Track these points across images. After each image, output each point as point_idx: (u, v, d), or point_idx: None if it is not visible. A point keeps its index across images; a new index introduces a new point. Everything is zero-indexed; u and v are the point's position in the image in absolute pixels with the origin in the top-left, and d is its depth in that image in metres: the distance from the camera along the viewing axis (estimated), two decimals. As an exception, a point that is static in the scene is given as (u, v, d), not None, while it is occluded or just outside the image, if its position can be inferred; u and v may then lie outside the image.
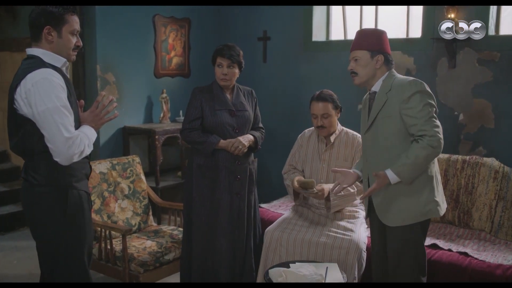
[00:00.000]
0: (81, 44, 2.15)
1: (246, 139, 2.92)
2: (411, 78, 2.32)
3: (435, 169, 2.35)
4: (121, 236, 3.03)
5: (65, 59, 2.09)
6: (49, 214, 2.06)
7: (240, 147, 2.85)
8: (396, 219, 2.32)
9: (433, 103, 2.26)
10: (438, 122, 2.23)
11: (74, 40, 2.08)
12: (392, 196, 2.31)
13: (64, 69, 2.10)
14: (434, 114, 2.23)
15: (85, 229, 2.16)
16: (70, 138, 1.95)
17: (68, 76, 2.12)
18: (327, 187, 2.88)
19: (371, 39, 2.35)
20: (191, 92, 2.99)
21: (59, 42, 2.05)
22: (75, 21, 2.07)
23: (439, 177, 2.38)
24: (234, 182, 2.92)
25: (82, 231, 2.14)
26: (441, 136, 2.20)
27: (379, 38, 2.36)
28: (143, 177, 3.61)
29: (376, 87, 2.36)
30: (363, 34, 2.42)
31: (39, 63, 2.00)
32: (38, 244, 2.19)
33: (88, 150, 2.05)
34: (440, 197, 2.34)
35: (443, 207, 2.35)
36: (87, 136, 2.06)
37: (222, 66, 2.86)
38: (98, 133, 4.09)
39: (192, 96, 2.94)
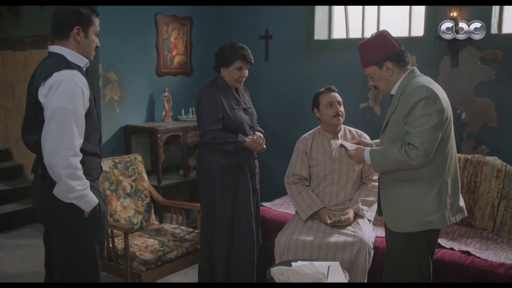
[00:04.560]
0: (99, 45, 2.24)
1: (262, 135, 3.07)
2: (419, 83, 2.21)
3: (449, 179, 2.25)
4: (123, 234, 3.04)
5: (87, 60, 2.17)
6: (68, 211, 2.07)
7: (261, 141, 2.97)
8: (397, 224, 2.31)
9: (436, 112, 2.14)
10: (431, 136, 2.13)
11: (96, 40, 2.18)
12: (397, 199, 2.30)
13: (84, 69, 2.17)
14: (432, 126, 2.13)
15: (102, 227, 2.19)
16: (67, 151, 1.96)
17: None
18: (350, 211, 2.96)
19: (370, 52, 2.31)
20: (199, 91, 2.95)
21: (85, 42, 2.13)
22: (98, 23, 2.18)
23: (449, 189, 2.26)
24: (252, 178, 3.03)
25: (99, 229, 2.18)
26: (425, 154, 2.13)
27: (377, 46, 2.30)
28: (145, 175, 3.62)
29: (394, 90, 2.32)
30: (362, 49, 2.36)
31: (64, 63, 2.05)
32: (51, 239, 2.20)
33: (73, 186, 2.00)
34: (446, 209, 2.24)
35: (448, 220, 2.26)
36: (85, 192, 2.04)
37: (242, 69, 2.91)
38: (100, 132, 4.13)
39: (209, 96, 2.88)
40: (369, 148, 2.36)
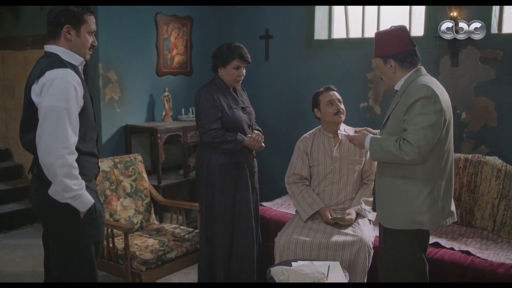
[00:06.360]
0: (96, 44, 2.22)
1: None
2: (421, 82, 2.21)
3: (442, 182, 2.26)
4: (123, 234, 3.04)
5: (82, 59, 2.15)
6: (64, 211, 2.06)
7: (260, 139, 2.97)
8: (388, 219, 2.32)
9: (433, 111, 2.14)
10: (427, 135, 2.13)
11: (90, 39, 2.16)
12: (390, 195, 2.31)
13: (80, 68, 2.15)
14: (428, 125, 2.13)
15: (98, 227, 2.19)
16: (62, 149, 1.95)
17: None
18: (353, 211, 2.97)
19: (381, 45, 2.31)
20: (197, 91, 2.96)
21: (77, 41, 2.11)
22: (92, 21, 2.15)
23: (442, 192, 2.26)
24: (252, 177, 3.04)
25: (95, 229, 2.17)
26: (419, 151, 2.13)
27: (389, 41, 2.29)
28: (145, 175, 3.62)
29: (398, 86, 2.33)
30: (375, 39, 2.36)
31: (58, 62, 2.04)
32: (48, 239, 2.20)
33: (68, 184, 1.99)
34: (437, 211, 2.25)
35: (437, 223, 2.26)
36: (81, 193, 2.03)
37: (240, 68, 2.92)
38: (100, 132, 4.13)
39: (207, 95, 2.89)
40: (371, 135, 2.37)
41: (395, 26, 2.35)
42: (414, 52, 2.31)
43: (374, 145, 2.31)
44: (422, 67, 2.34)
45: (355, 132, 2.56)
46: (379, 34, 2.37)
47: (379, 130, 2.60)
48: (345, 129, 3.13)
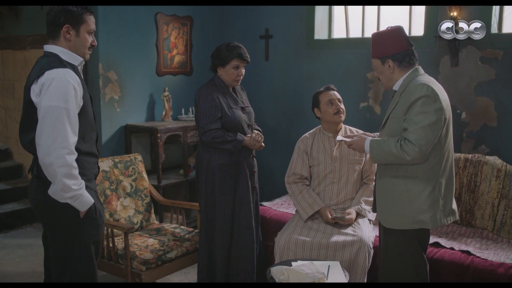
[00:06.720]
0: (96, 44, 2.22)
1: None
2: (421, 82, 2.22)
3: (443, 180, 2.26)
4: (123, 234, 3.04)
5: (81, 59, 2.15)
6: (63, 211, 2.07)
7: (260, 139, 2.97)
8: (389, 220, 2.32)
9: (434, 110, 2.15)
10: (428, 134, 2.14)
11: (90, 39, 2.16)
12: (391, 195, 2.31)
13: (79, 68, 2.15)
14: (429, 124, 2.14)
15: (98, 227, 2.19)
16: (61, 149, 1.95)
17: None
18: (353, 211, 2.98)
19: (378, 46, 2.32)
20: (197, 91, 2.96)
21: (76, 40, 2.12)
22: (92, 21, 2.15)
23: (443, 190, 2.26)
24: (252, 176, 3.04)
25: (95, 229, 2.17)
26: (420, 150, 2.14)
27: (386, 42, 2.30)
28: (145, 175, 3.62)
29: (396, 86, 2.33)
30: (372, 40, 2.36)
31: (58, 62, 2.04)
32: (48, 238, 2.20)
33: (67, 184, 2.00)
34: (438, 209, 2.25)
35: (439, 221, 2.26)
36: (80, 192, 2.04)
37: (239, 67, 2.93)
38: (100, 131, 4.13)
39: (207, 95, 2.89)
40: (370, 138, 2.37)
41: (391, 27, 2.36)
42: (411, 52, 2.32)
43: (374, 147, 2.30)
44: (420, 67, 2.35)
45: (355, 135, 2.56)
46: (376, 35, 2.37)
47: (377, 133, 2.61)
48: (345, 131, 3.13)
